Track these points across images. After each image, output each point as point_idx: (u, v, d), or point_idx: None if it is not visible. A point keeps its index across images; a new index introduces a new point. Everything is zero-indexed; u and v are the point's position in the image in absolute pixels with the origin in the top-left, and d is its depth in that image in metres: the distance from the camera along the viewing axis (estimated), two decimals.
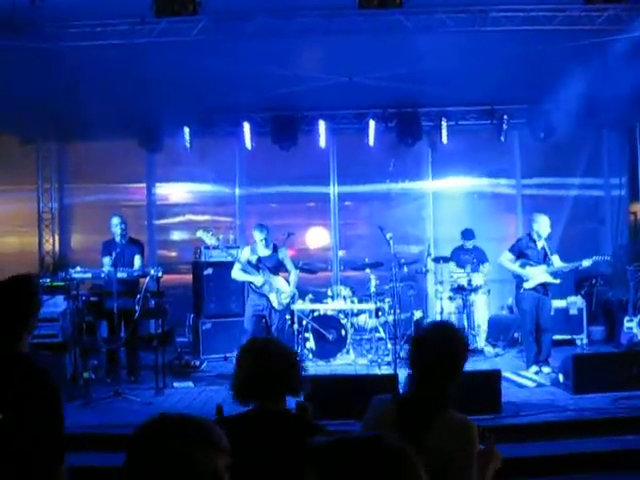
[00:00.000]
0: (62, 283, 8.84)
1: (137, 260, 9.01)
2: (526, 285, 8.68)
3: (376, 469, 1.48)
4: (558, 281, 8.79)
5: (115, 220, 9.00)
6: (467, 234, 10.56)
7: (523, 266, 8.74)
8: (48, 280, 9.13)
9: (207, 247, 10.32)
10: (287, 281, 9.07)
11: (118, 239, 8.94)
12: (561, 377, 7.83)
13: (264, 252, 9.00)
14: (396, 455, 1.53)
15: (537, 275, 8.68)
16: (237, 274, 9.06)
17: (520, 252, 8.84)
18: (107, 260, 8.73)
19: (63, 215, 12.86)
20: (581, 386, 7.39)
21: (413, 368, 3.08)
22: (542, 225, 8.73)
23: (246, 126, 11.74)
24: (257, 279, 8.84)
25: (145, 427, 1.65)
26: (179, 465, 1.58)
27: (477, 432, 2.91)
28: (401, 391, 3.12)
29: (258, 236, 8.94)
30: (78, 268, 8.35)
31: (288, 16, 8.00)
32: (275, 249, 9.06)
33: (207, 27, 8.01)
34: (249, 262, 8.92)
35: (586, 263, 8.70)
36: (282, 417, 2.94)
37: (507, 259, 8.94)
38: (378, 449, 1.52)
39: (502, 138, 11.83)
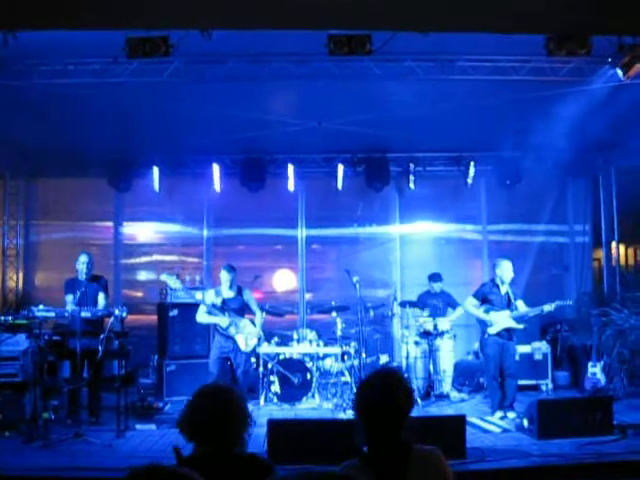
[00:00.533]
0: (24, 321, 8.69)
1: (101, 298, 8.88)
2: (490, 330, 8.72)
3: None
4: (522, 326, 8.81)
5: (83, 258, 8.86)
6: (434, 277, 10.59)
7: (487, 311, 8.79)
8: (10, 318, 8.98)
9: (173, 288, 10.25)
10: (253, 323, 9.01)
11: (82, 277, 8.81)
12: (525, 422, 7.83)
13: (228, 294, 8.95)
14: None
15: (501, 320, 8.73)
16: (202, 317, 8.97)
17: (484, 297, 8.90)
18: (70, 298, 8.62)
19: (28, 252, 12.68)
20: (545, 431, 7.40)
21: (359, 417, 3.08)
22: (505, 270, 8.81)
23: (215, 168, 11.75)
24: (223, 320, 8.76)
25: (134, 476, 1.65)
26: None
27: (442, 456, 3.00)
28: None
29: (224, 276, 8.91)
30: (41, 306, 8.21)
31: (259, 61, 8.11)
32: (240, 291, 9.02)
33: (179, 69, 8.09)
34: (214, 305, 8.87)
35: (548, 307, 8.74)
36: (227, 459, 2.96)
37: (471, 304, 9.00)
38: None
39: (469, 183, 11.98)
